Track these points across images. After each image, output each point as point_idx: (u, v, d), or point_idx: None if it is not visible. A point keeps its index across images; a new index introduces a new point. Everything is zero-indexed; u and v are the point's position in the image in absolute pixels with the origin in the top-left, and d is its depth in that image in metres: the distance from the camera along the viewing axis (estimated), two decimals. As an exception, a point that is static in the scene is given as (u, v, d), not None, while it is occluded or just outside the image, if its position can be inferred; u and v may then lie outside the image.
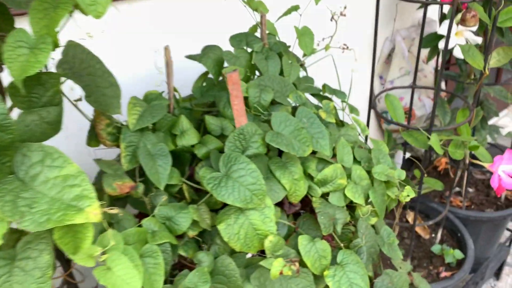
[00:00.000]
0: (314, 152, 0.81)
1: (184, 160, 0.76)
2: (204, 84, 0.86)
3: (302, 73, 1.05)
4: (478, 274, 1.75)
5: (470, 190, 1.84)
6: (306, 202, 0.81)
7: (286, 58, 0.87)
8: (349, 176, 0.84)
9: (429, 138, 1.08)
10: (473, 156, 1.52)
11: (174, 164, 0.75)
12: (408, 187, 0.86)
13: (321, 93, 1.02)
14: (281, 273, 0.66)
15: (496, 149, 1.86)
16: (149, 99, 0.73)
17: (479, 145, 1.19)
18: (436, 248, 1.44)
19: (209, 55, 0.81)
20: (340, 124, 0.99)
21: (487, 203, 1.77)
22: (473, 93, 1.52)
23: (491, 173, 1.16)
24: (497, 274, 1.97)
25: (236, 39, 0.85)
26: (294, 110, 0.81)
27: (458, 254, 1.41)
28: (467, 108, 1.24)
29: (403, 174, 0.87)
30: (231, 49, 0.85)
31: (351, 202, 0.83)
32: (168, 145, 0.71)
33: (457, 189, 1.84)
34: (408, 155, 1.96)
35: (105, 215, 0.61)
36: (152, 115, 0.67)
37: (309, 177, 0.79)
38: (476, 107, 1.36)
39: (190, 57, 0.82)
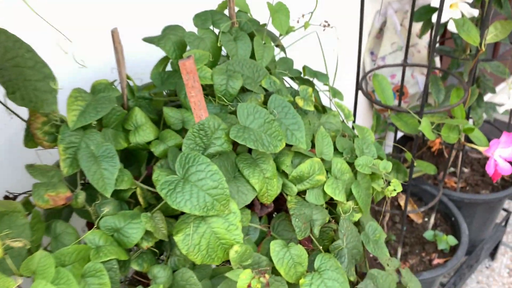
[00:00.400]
0: (290, 145, 0.73)
1: (140, 158, 0.67)
2: (167, 69, 0.76)
3: (282, 54, 0.95)
4: (473, 257, 1.70)
5: (465, 170, 1.77)
6: (282, 200, 0.73)
7: (258, 39, 0.77)
8: (329, 170, 0.76)
9: (420, 122, 0.99)
10: (467, 138, 1.44)
11: (128, 164, 0.67)
12: (394, 180, 0.78)
13: (301, 76, 0.93)
14: (249, 286, 0.58)
15: (492, 127, 1.78)
16: (97, 90, 0.63)
17: (474, 127, 1.10)
18: (428, 234, 1.38)
19: (169, 37, 0.72)
20: (322, 110, 0.90)
21: (482, 183, 1.70)
22: (469, 70, 1.43)
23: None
24: (492, 255, 1.92)
25: (200, 18, 0.75)
26: (268, 98, 0.72)
27: (452, 240, 1.34)
28: (461, 87, 1.15)
29: (389, 166, 0.79)
30: (196, 30, 0.75)
31: (332, 198, 0.75)
32: (119, 143, 0.62)
33: (452, 169, 1.77)
34: (401, 134, 1.88)
35: (39, 231, 0.53)
36: (97, 110, 0.58)
37: (284, 173, 0.70)
38: (472, 86, 1.28)
39: (147, 39, 0.72)
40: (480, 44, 1.06)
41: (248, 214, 0.65)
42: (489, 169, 1.05)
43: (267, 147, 0.63)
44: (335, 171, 0.75)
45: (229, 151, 0.63)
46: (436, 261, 1.33)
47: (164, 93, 0.78)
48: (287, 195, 0.70)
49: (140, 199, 0.61)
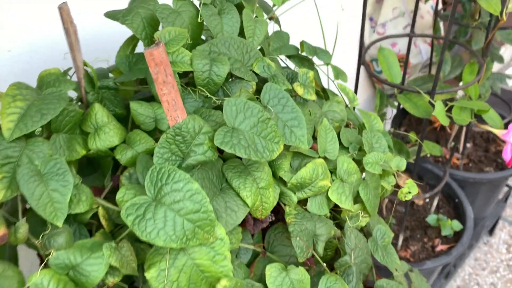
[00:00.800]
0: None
1: (104, 166, 0.54)
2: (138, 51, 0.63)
3: (275, 28, 0.82)
4: (473, 235, 1.63)
5: (467, 145, 1.67)
6: (278, 208, 0.62)
7: (248, 11, 0.64)
8: (333, 171, 0.64)
9: (432, 105, 0.87)
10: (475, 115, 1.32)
11: (90, 171, 0.54)
12: (410, 181, 0.67)
13: (299, 53, 0.80)
14: (241, 324, 0.48)
15: (497, 99, 1.66)
16: (45, 84, 0.50)
17: (489, 108, 0.99)
18: (431, 219, 1.29)
19: (138, 11, 0.57)
20: (324, 95, 0.77)
21: (486, 160, 1.60)
22: (478, 40, 1.31)
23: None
24: (491, 230, 1.85)
25: (177, -13, 0.61)
26: (260, 86, 0.59)
27: (456, 225, 1.25)
28: (475, 62, 1.03)
29: (403, 164, 0.67)
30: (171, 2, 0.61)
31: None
32: (75, 152, 0.49)
33: (453, 143, 1.66)
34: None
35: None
36: (42, 112, 0.45)
37: (281, 179, 0.58)
38: (487, 58, 1.15)
39: (110, 15, 0.58)
40: (501, 12, 0.93)
41: (238, 233, 0.53)
42: (506, 155, 0.94)
43: (261, 153, 0.50)
44: (341, 172, 0.63)
45: (214, 159, 0.50)
46: (439, 247, 1.24)
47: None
48: (284, 205, 0.59)
49: (103, 222, 0.49)
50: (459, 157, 1.60)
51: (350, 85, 0.98)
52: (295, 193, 0.58)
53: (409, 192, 0.66)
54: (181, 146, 0.48)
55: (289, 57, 0.78)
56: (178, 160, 0.48)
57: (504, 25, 1.32)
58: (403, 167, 0.67)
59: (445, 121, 0.84)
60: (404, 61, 1.23)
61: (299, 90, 0.63)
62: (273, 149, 0.52)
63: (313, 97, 0.64)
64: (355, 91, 1.08)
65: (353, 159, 0.68)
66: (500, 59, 1.46)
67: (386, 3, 1.49)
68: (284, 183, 0.58)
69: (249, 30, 0.63)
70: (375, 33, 1.52)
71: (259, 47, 0.68)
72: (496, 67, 1.76)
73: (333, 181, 0.62)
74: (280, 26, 0.80)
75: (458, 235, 1.28)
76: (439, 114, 0.82)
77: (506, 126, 1.64)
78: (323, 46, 0.93)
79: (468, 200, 1.41)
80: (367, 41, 1.55)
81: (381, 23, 1.51)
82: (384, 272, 1.12)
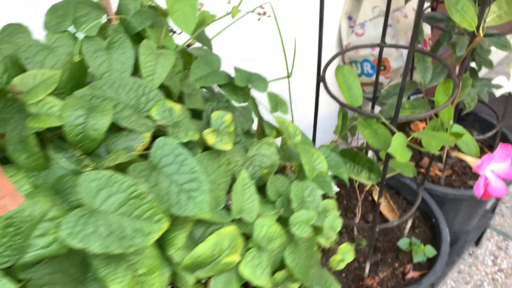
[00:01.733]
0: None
1: None
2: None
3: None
4: (456, 250, 1.53)
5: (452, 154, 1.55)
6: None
7: (148, 43, 0.52)
8: (250, 235, 0.53)
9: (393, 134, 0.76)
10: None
11: None
12: (345, 246, 0.56)
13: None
14: None
15: (483, 106, 1.51)
16: None
17: (464, 132, 0.87)
18: (403, 243, 1.18)
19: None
20: (259, 132, 0.66)
21: (470, 172, 1.48)
22: (463, 45, 1.18)
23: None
24: (477, 241, 1.75)
25: (55, 15, 0.49)
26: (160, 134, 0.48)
27: (430, 251, 1.15)
28: (450, 80, 0.91)
29: (338, 224, 0.57)
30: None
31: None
32: None
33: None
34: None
35: None
36: None
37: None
38: (464, 73, 1.03)
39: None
40: (478, 27, 0.81)
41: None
42: (478, 189, 0.83)
43: (130, 240, 0.40)
44: (258, 238, 0.53)
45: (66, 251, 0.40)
46: (410, 274, 1.14)
47: None
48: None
49: None
50: (441, 167, 1.49)
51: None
52: (192, 273, 0.48)
53: (342, 260, 0.55)
54: (16, 239, 0.37)
55: (220, 86, 0.67)
56: (15, 256, 0.38)
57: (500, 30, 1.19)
58: (338, 228, 0.56)
59: (403, 157, 0.73)
60: (377, 71, 1.10)
61: (210, 139, 0.52)
62: (150, 231, 0.41)
63: (229, 146, 0.53)
64: (316, 110, 0.96)
65: (281, 218, 0.57)
66: (490, 65, 1.34)
67: (366, 1, 1.36)
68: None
69: (147, 67, 0.51)
70: (353, 34, 1.40)
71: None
72: (484, 70, 1.63)
73: (248, 250, 0.52)
74: (211, 48, 0.68)
75: (432, 260, 1.18)
76: (396, 151, 0.71)
77: (492, 139, 1.52)
78: (282, 58, 0.82)
79: (448, 217, 1.31)
80: (345, 41, 1.43)
81: (360, 23, 1.38)
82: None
